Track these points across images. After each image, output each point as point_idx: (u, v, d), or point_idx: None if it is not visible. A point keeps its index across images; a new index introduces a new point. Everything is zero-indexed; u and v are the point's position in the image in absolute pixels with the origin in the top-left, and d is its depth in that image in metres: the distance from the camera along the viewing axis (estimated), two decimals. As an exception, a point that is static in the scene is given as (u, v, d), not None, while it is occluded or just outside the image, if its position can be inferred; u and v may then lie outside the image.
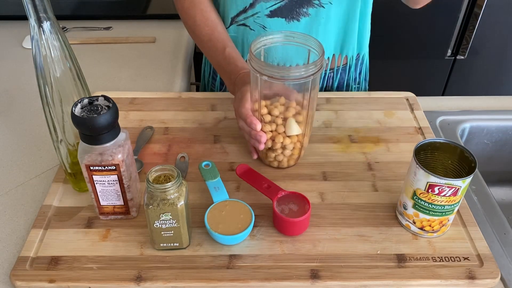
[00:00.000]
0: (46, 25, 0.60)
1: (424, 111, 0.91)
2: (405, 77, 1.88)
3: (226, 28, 0.94)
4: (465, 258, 0.65)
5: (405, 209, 0.67)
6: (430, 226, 0.66)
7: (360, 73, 1.06)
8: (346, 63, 1.01)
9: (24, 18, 0.61)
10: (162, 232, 0.63)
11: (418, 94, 0.96)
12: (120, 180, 0.64)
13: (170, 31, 1.28)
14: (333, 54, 0.99)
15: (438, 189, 0.62)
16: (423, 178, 0.62)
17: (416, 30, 1.74)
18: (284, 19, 0.91)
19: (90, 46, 1.21)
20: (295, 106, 0.73)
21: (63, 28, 1.06)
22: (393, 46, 1.78)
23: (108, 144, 0.62)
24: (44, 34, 0.61)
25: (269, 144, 0.74)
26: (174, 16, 1.30)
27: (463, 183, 0.61)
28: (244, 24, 0.94)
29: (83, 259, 0.64)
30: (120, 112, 0.63)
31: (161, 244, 0.64)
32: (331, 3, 0.90)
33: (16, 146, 0.86)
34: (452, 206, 0.64)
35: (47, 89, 0.64)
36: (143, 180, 0.75)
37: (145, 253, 0.65)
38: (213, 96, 0.96)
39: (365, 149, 0.83)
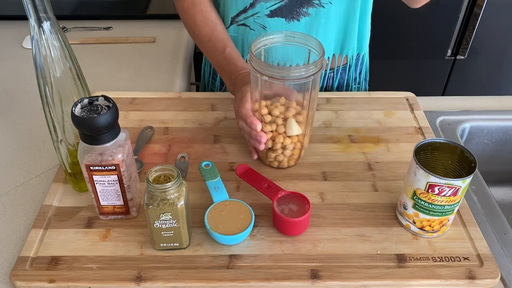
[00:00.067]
0: (46, 25, 0.60)
1: (424, 111, 0.91)
2: (405, 77, 1.88)
3: (226, 28, 0.94)
4: (465, 258, 0.65)
5: (405, 209, 0.67)
6: (430, 226, 0.66)
7: (360, 73, 1.06)
8: (346, 63, 1.01)
9: (24, 18, 0.61)
10: (162, 232, 0.63)
11: (418, 94, 0.96)
12: (120, 180, 0.64)
13: (170, 31, 1.28)
14: (333, 54, 0.99)
15: (438, 189, 0.62)
16: (423, 178, 0.62)
17: (416, 30, 1.74)
18: (284, 19, 0.91)
19: (90, 46, 1.21)
20: (295, 106, 0.73)
21: (63, 28, 1.06)
22: (393, 46, 1.78)
23: (108, 144, 0.62)
24: (44, 34, 0.61)
25: (269, 144, 0.74)
26: (174, 16, 1.30)
27: (463, 183, 0.61)
28: (244, 24, 0.94)
29: (83, 259, 0.64)
30: (120, 112, 0.63)
31: (161, 244, 0.64)
32: (331, 3, 0.90)
33: (16, 146, 0.86)
34: (452, 206, 0.64)
35: (47, 89, 0.64)
36: (143, 180, 0.75)
37: (145, 253, 0.65)
38: (213, 96, 0.96)
39: (365, 149, 0.83)
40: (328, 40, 0.95)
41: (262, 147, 0.73)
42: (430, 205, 0.64)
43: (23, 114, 0.95)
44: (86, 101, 0.61)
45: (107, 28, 1.28)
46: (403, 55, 1.82)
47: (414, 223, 0.67)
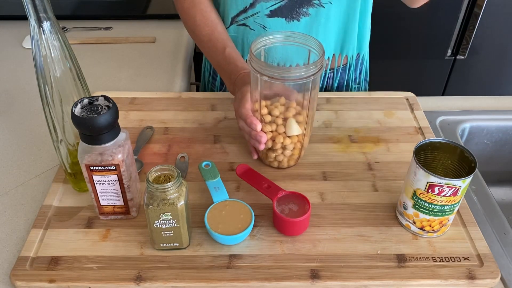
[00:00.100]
0: (46, 25, 0.60)
1: (424, 111, 0.91)
2: (405, 77, 1.88)
3: (226, 28, 0.94)
4: (465, 258, 0.65)
5: (405, 209, 0.67)
6: (430, 226, 0.66)
7: (360, 73, 1.06)
8: (346, 63, 1.01)
9: (24, 18, 0.61)
10: (162, 232, 0.63)
11: (418, 94, 0.96)
12: (120, 180, 0.64)
13: (170, 31, 1.28)
14: (333, 54, 0.99)
15: (438, 189, 0.62)
16: (423, 178, 0.62)
17: (416, 30, 1.74)
18: (284, 19, 0.91)
19: (90, 46, 1.21)
20: (295, 106, 0.73)
21: (63, 28, 1.06)
22: (393, 46, 1.78)
23: (108, 144, 0.62)
24: (44, 34, 0.61)
25: (269, 144, 0.74)
26: (174, 16, 1.30)
27: (463, 183, 0.61)
28: (244, 24, 0.94)
29: (83, 259, 0.64)
30: (120, 112, 0.63)
31: (161, 244, 0.64)
32: (331, 3, 0.90)
33: (16, 146, 0.86)
34: (452, 206, 0.64)
35: (47, 89, 0.64)
36: (143, 180, 0.75)
37: (145, 253, 0.65)
38: (213, 96, 0.96)
39: (365, 149, 0.83)
40: (328, 40, 0.95)
41: (262, 147, 0.73)
42: (430, 205, 0.64)
43: (23, 114, 0.95)
44: (86, 101, 0.61)
45: (107, 28, 1.28)
46: (403, 55, 1.82)
47: (414, 223, 0.67)
